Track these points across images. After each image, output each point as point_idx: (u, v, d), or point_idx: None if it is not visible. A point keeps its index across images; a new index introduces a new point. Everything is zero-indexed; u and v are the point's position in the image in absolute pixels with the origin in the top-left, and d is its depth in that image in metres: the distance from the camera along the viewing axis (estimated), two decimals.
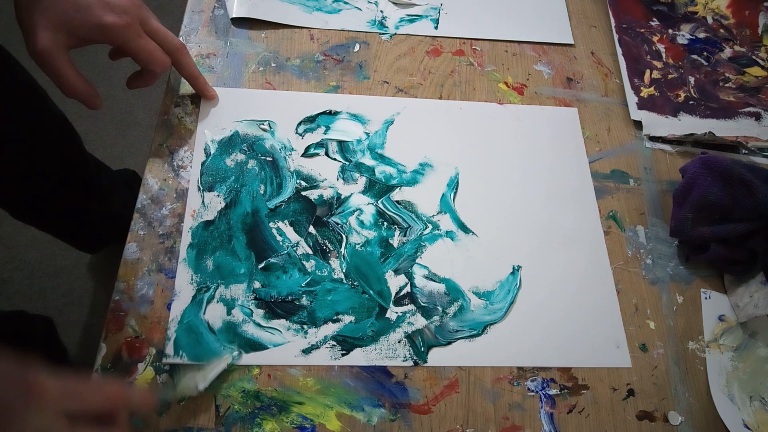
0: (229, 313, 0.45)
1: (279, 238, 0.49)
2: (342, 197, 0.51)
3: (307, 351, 0.45)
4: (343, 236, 0.49)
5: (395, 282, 0.48)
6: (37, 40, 0.42)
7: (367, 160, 0.53)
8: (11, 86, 0.67)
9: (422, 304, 0.48)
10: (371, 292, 0.47)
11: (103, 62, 1.39)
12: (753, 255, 0.50)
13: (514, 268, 0.50)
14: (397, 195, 0.52)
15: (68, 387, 0.32)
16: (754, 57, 0.66)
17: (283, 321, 0.45)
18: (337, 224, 0.50)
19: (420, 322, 0.47)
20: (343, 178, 0.52)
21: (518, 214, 0.53)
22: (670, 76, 0.64)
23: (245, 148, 0.52)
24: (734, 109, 0.62)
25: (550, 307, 0.49)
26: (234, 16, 0.59)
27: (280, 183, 0.51)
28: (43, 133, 0.74)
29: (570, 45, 0.65)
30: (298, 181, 0.51)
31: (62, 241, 0.99)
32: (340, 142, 0.54)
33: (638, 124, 0.60)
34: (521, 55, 0.63)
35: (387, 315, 0.47)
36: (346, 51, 0.60)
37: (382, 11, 0.63)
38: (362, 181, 0.52)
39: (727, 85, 0.64)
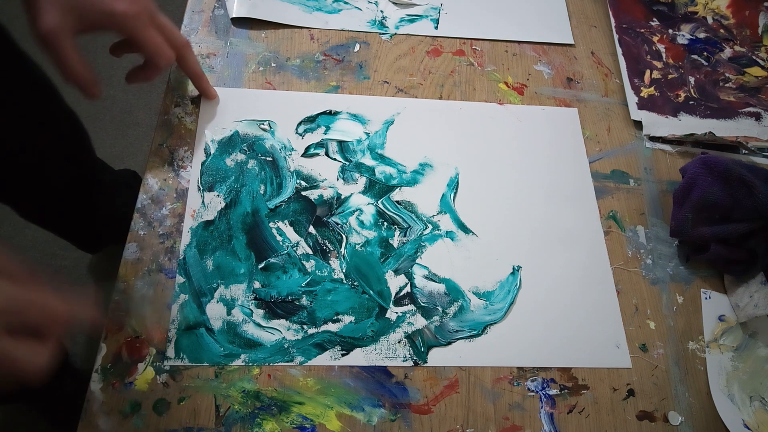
0: (229, 313, 0.45)
1: (279, 238, 0.49)
2: (342, 197, 0.51)
3: None
4: (343, 236, 0.49)
5: (395, 282, 0.48)
6: (44, 19, 0.41)
7: (367, 160, 0.53)
8: (23, 81, 0.67)
9: (422, 304, 0.48)
10: (371, 292, 0.47)
11: (103, 62, 1.39)
12: (753, 255, 0.50)
13: (514, 268, 0.50)
14: (397, 195, 0.52)
15: (12, 300, 0.31)
16: (754, 57, 0.66)
17: (283, 321, 0.45)
18: (337, 224, 0.50)
19: (420, 322, 0.47)
20: (343, 178, 0.52)
21: (518, 214, 0.53)
22: (670, 76, 0.64)
23: (245, 148, 0.52)
24: (734, 109, 0.62)
25: (550, 307, 0.49)
26: (234, 16, 0.59)
27: (280, 183, 0.51)
28: (53, 129, 0.73)
29: (570, 45, 0.65)
30: (298, 181, 0.51)
31: (64, 240, 0.99)
32: (340, 142, 0.54)
33: (638, 124, 0.60)
34: (521, 55, 0.63)
35: (387, 315, 0.47)
36: (346, 51, 0.60)
37: (382, 11, 0.63)
38: (362, 181, 0.52)
39: (727, 85, 0.64)
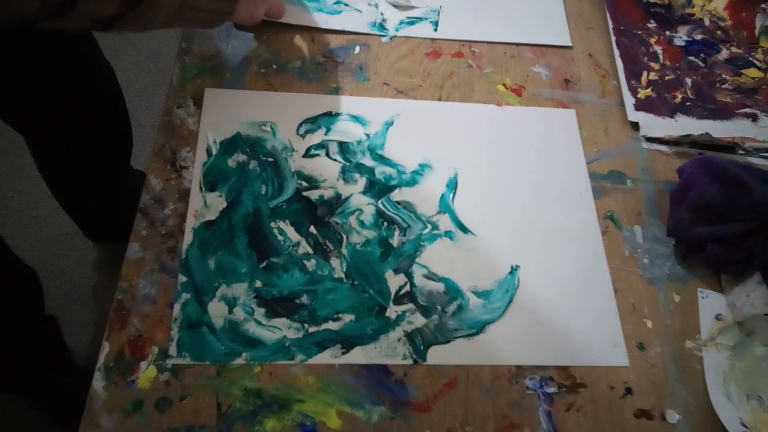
0: (230, 311, 0.45)
1: (280, 237, 0.49)
2: (342, 197, 0.52)
3: None
4: (344, 236, 0.50)
5: (395, 281, 0.49)
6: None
7: (367, 161, 0.54)
8: (105, 84, 0.79)
9: (422, 303, 0.48)
10: (371, 291, 0.48)
11: None
12: (750, 254, 0.51)
13: (512, 267, 0.51)
14: (396, 195, 0.53)
15: None
16: (750, 58, 0.67)
17: (284, 320, 0.46)
18: (338, 224, 0.50)
19: (419, 320, 0.47)
20: (343, 179, 0.53)
21: (516, 214, 0.53)
22: (667, 78, 0.64)
23: (247, 149, 0.53)
24: (731, 111, 0.63)
25: (548, 306, 0.49)
26: None
27: (281, 183, 0.52)
28: (94, 84, 0.78)
29: (568, 47, 0.65)
30: (299, 181, 0.52)
31: (65, 239, 1.02)
32: (341, 143, 0.55)
33: (635, 125, 0.60)
34: (519, 57, 0.63)
35: (387, 314, 0.47)
36: (347, 53, 0.60)
37: (382, 13, 0.63)
38: (362, 181, 0.53)
39: (723, 86, 0.64)
